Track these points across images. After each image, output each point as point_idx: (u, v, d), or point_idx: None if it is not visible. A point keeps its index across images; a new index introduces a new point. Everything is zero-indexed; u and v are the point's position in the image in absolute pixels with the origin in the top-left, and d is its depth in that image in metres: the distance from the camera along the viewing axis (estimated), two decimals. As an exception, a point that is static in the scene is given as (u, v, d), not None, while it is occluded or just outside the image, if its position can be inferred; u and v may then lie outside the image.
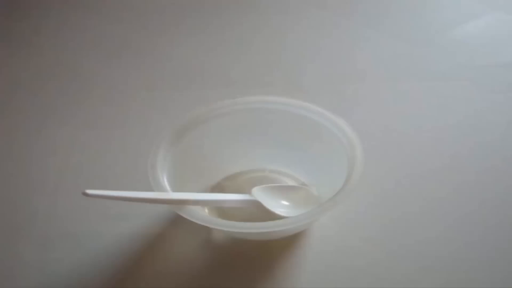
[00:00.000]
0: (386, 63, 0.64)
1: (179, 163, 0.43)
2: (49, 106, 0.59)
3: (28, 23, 0.75)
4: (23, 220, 0.46)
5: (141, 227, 0.45)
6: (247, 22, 0.73)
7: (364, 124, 0.47)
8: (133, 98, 0.60)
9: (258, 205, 0.42)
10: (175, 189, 0.41)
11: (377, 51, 0.67)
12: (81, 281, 0.41)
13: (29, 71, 0.65)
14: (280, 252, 0.43)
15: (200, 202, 0.41)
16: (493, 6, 0.74)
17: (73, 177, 0.50)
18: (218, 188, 0.47)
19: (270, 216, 0.41)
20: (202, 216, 0.39)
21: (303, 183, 0.47)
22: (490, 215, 0.45)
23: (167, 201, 0.39)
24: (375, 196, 0.47)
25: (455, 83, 0.60)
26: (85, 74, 0.64)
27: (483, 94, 0.58)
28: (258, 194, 0.42)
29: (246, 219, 0.39)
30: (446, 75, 0.62)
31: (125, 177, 0.50)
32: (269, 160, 0.48)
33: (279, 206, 0.43)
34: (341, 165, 0.41)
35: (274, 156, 0.48)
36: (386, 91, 0.60)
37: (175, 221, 0.45)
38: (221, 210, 0.45)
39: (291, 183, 0.47)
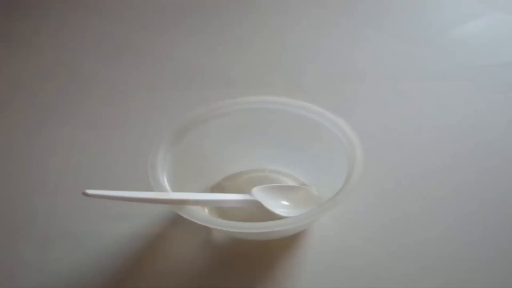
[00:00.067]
0: (386, 63, 0.64)
1: (179, 163, 0.43)
2: (49, 106, 0.60)
3: (28, 23, 0.75)
4: (23, 220, 0.46)
5: (141, 227, 0.45)
6: (247, 22, 0.73)
7: (364, 124, 0.47)
8: (133, 98, 0.60)
9: (258, 205, 0.42)
10: (175, 189, 0.41)
11: (377, 51, 0.67)
12: (81, 281, 0.41)
13: (29, 71, 0.65)
14: (280, 252, 0.43)
15: (200, 202, 0.41)
16: (493, 6, 0.74)
17: (73, 177, 0.50)
18: (218, 188, 0.47)
19: (270, 216, 0.41)
20: (202, 216, 0.39)
21: (303, 183, 0.47)
22: (490, 215, 0.45)
23: (167, 201, 0.39)
24: (375, 196, 0.47)
25: (455, 83, 0.60)
26: (85, 74, 0.64)
27: (483, 94, 0.58)
28: (258, 194, 0.42)
29: (246, 219, 0.39)
30: (446, 75, 0.62)
31: (125, 177, 0.50)
32: (269, 160, 0.48)
33: (279, 206, 0.43)
34: (341, 165, 0.41)
35: (274, 156, 0.48)
36: (386, 91, 0.60)
37: (175, 221, 0.45)
38: (221, 210, 0.45)
39: (291, 183, 0.47)
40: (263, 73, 0.63)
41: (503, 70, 0.62)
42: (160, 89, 0.62)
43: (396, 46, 0.67)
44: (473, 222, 0.45)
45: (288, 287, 0.40)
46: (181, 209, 0.38)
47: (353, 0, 0.77)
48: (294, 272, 0.41)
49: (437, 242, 0.43)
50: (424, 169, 0.50)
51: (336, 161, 0.42)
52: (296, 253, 0.43)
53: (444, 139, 0.53)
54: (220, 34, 0.71)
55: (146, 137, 0.49)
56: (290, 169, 0.48)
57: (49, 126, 0.57)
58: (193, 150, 0.45)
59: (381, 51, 0.66)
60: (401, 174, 0.49)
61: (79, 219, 0.46)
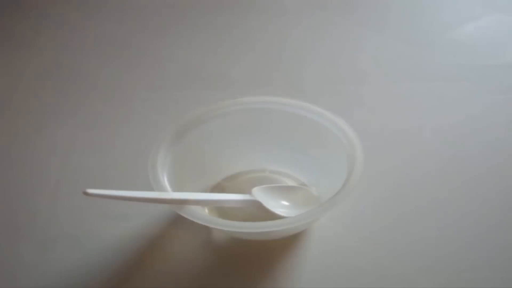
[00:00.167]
0: (386, 64, 0.64)
1: (179, 163, 0.44)
2: (49, 106, 0.60)
3: (28, 23, 0.75)
4: (23, 220, 0.46)
5: (141, 227, 0.45)
6: (247, 22, 0.73)
7: (364, 124, 0.48)
8: (133, 98, 0.60)
9: (258, 205, 0.42)
10: (175, 189, 0.41)
11: (377, 52, 0.67)
12: (81, 281, 0.41)
13: (29, 71, 0.65)
14: (280, 252, 0.43)
15: (200, 202, 0.41)
16: (493, 7, 0.74)
17: (73, 177, 0.50)
18: (218, 188, 0.47)
19: (270, 216, 0.41)
20: (202, 216, 0.39)
21: (303, 183, 0.47)
22: (490, 215, 0.45)
23: (167, 201, 0.39)
24: (375, 196, 0.47)
25: (455, 84, 0.60)
26: (85, 74, 0.64)
27: (483, 94, 0.58)
28: (258, 194, 0.42)
29: (246, 219, 0.39)
30: (446, 75, 0.62)
31: (125, 177, 0.50)
32: (269, 160, 0.48)
33: (279, 206, 0.43)
34: (341, 165, 0.41)
35: (274, 157, 0.48)
36: (386, 91, 0.60)
37: (176, 221, 0.45)
38: (221, 210, 0.45)
39: (291, 183, 0.47)
40: (263, 73, 0.63)
41: (503, 71, 0.62)
42: (160, 89, 0.62)
43: (396, 47, 0.67)
44: (473, 222, 0.45)
45: (288, 287, 0.40)
46: (181, 209, 0.38)
47: (353, 1, 0.77)
48: (294, 272, 0.41)
49: (437, 242, 0.43)
50: (424, 169, 0.50)
51: (336, 161, 0.42)
52: (296, 253, 0.43)
53: (444, 140, 0.53)
54: (220, 34, 0.71)
55: (146, 137, 0.49)
56: (290, 169, 0.48)
57: (49, 126, 0.57)
58: (193, 150, 0.45)
59: (381, 52, 0.66)
60: (400, 174, 0.49)
61: (79, 219, 0.46)
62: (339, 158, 0.42)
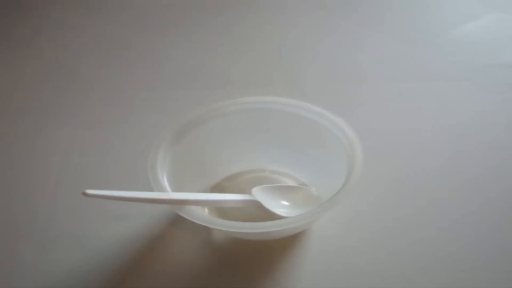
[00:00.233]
0: (386, 64, 0.64)
1: (179, 163, 0.43)
2: (49, 106, 0.60)
3: (28, 23, 0.75)
4: (23, 220, 0.46)
5: (141, 227, 0.45)
6: (247, 22, 0.73)
7: (364, 124, 0.47)
8: (133, 98, 0.60)
9: (258, 205, 0.42)
10: (175, 189, 0.41)
11: (377, 52, 0.67)
12: (81, 281, 0.41)
13: (29, 71, 0.65)
14: (280, 252, 0.43)
15: (200, 202, 0.41)
16: (493, 6, 0.74)
17: (73, 177, 0.50)
18: (218, 188, 0.47)
19: (270, 216, 0.41)
20: (202, 216, 0.39)
21: (303, 183, 0.47)
22: (490, 215, 0.45)
23: (167, 201, 0.39)
24: (375, 196, 0.47)
25: (455, 84, 0.60)
26: (85, 74, 0.64)
27: (483, 94, 0.58)
28: (258, 194, 0.42)
29: (246, 219, 0.39)
30: (446, 75, 0.62)
31: (125, 177, 0.50)
32: (269, 160, 0.48)
33: (279, 206, 0.43)
34: (341, 165, 0.41)
35: (274, 156, 0.48)
36: (386, 91, 0.60)
37: (175, 221, 0.45)
38: (221, 210, 0.45)
39: (291, 183, 0.47)
40: (263, 73, 0.63)
41: (503, 70, 0.62)
42: (160, 89, 0.62)
43: (396, 47, 0.67)
44: (473, 222, 0.45)
45: (288, 287, 0.40)
46: (181, 209, 0.38)
47: (353, 0, 0.77)
48: (294, 272, 0.41)
49: (437, 242, 0.43)
50: (424, 169, 0.50)
51: (336, 161, 0.42)
52: (296, 253, 0.43)
53: (444, 139, 0.53)
54: (220, 34, 0.71)
55: (146, 137, 0.49)
56: (290, 169, 0.48)
57: (49, 126, 0.57)
58: (193, 150, 0.45)
59: (381, 52, 0.66)
60: (400, 174, 0.49)
61: (79, 219, 0.46)
62: (339, 158, 0.42)
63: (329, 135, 0.44)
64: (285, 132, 0.47)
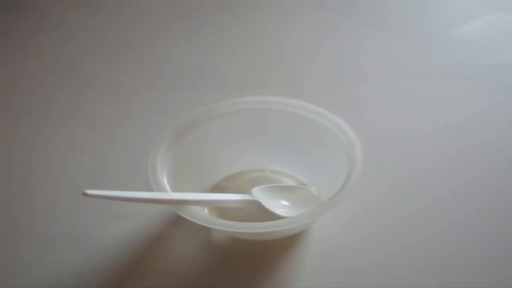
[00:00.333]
0: (386, 63, 0.64)
1: (179, 163, 0.43)
2: (49, 106, 0.60)
3: (28, 23, 0.75)
4: (23, 220, 0.46)
5: (141, 227, 0.45)
6: (247, 22, 0.73)
7: (364, 124, 0.47)
8: (133, 98, 0.60)
9: (258, 205, 0.42)
10: (175, 189, 0.41)
11: (377, 51, 0.67)
12: (81, 281, 0.41)
13: (29, 71, 0.65)
14: (280, 252, 0.43)
15: (200, 202, 0.41)
16: (493, 6, 0.74)
17: (73, 177, 0.50)
18: (218, 188, 0.47)
19: (270, 216, 0.41)
20: (202, 216, 0.39)
21: (303, 183, 0.47)
22: (490, 215, 0.45)
23: (167, 201, 0.39)
24: (375, 196, 0.47)
25: (455, 83, 0.60)
26: (85, 74, 0.64)
27: (483, 94, 0.58)
28: (258, 194, 0.42)
29: (246, 219, 0.39)
30: (446, 75, 0.62)
31: (125, 177, 0.50)
32: (269, 160, 0.48)
33: (279, 206, 0.43)
34: (341, 165, 0.41)
35: (274, 156, 0.48)
36: (386, 91, 0.60)
37: (175, 221, 0.45)
38: (221, 210, 0.45)
39: (291, 183, 0.47)
40: (263, 73, 0.63)
41: (503, 70, 0.62)
42: (160, 89, 0.62)
43: (396, 46, 0.67)
44: (473, 222, 0.45)
45: (288, 287, 0.40)
46: (181, 209, 0.38)
47: (353, 0, 0.77)
48: (294, 272, 0.41)
49: (437, 242, 0.43)
50: (424, 169, 0.50)
51: (336, 161, 0.42)
52: (296, 253, 0.43)
53: (444, 139, 0.53)
54: (220, 34, 0.71)
55: (146, 137, 0.49)
56: (290, 169, 0.48)
57: (49, 126, 0.57)
58: (193, 150, 0.45)
59: (381, 51, 0.66)
60: (401, 174, 0.49)
61: (79, 219, 0.46)
62: (339, 158, 0.42)
63: (329, 135, 0.44)
64: (285, 132, 0.47)
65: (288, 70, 0.64)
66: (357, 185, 0.39)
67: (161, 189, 0.40)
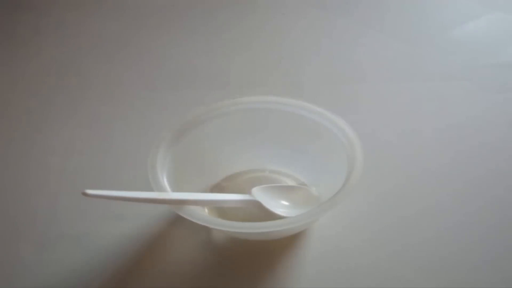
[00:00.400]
0: (386, 63, 0.64)
1: (179, 163, 0.44)
2: (49, 106, 0.60)
3: (28, 22, 0.75)
4: (23, 220, 0.46)
5: (141, 227, 0.45)
6: (246, 22, 0.73)
7: (364, 124, 0.48)
8: (133, 98, 0.60)
9: (258, 205, 0.42)
10: (175, 189, 0.41)
11: (377, 51, 0.67)
12: (81, 281, 0.41)
13: (29, 71, 0.65)
14: (280, 252, 0.43)
15: (200, 202, 0.41)
16: (493, 6, 0.74)
17: (73, 177, 0.50)
18: (218, 188, 0.47)
19: (270, 216, 0.41)
20: (202, 216, 0.39)
21: (303, 183, 0.47)
22: (490, 216, 0.45)
23: (167, 201, 0.39)
24: (375, 196, 0.47)
25: (455, 83, 0.60)
26: (85, 74, 0.64)
27: (483, 94, 0.58)
28: (258, 194, 0.42)
29: (246, 219, 0.39)
30: (446, 75, 0.62)
31: (125, 177, 0.50)
32: (269, 160, 0.48)
33: (279, 206, 0.43)
34: (341, 165, 0.41)
35: (274, 156, 0.48)
36: (386, 91, 0.60)
37: (175, 221, 0.45)
38: (221, 210, 0.45)
39: (291, 183, 0.47)
40: (263, 73, 0.63)
41: (503, 70, 0.62)
42: (160, 89, 0.62)
43: (396, 46, 0.67)
44: (473, 222, 0.45)
45: (288, 287, 0.40)
46: (181, 209, 0.38)
47: (353, 0, 0.77)
48: (294, 272, 0.41)
49: (437, 242, 0.43)
50: (424, 169, 0.50)
51: (336, 161, 0.42)
52: (296, 253, 0.43)
53: (444, 139, 0.53)
54: (220, 34, 0.71)
55: (146, 137, 0.49)
56: (290, 169, 0.48)
57: (49, 126, 0.57)
58: (193, 150, 0.45)
59: (381, 51, 0.66)
60: (401, 174, 0.49)
61: (79, 219, 0.46)
62: (339, 158, 0.42)
63: (329, 135, 0.44)
64: (285, 132, 0.47)
65: (288, 70, 0.64)
66: (357, 185, 0.39)
67: (161, 189, 0.40)
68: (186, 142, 0.45)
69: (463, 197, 0.47)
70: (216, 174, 0.48)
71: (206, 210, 0.45)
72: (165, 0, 0.78)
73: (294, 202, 0.44)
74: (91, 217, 0.46)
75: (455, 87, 0.60)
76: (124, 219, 0.45)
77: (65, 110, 0.59)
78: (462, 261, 0.42)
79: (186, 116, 0.46)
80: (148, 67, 0.65)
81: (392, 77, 0.62)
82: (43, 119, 0.58)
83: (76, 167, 0.51)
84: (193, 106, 0.47)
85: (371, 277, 0.41)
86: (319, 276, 0.41)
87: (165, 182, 0.41)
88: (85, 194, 0.36)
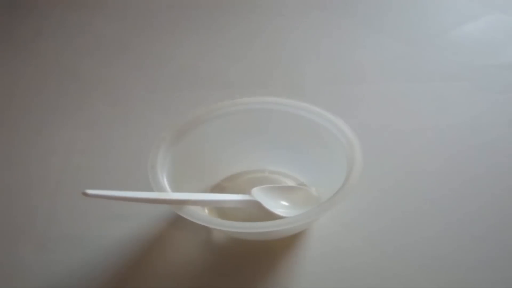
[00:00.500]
0: (386, 64, 0.64)
1: (179, 163, 0.44)
2: (49, 106, 0.60)
3: (28, 23, 0.75)
4: (23, 220, 0.46)
5: (141, 227, 0.45)
6: (247, 23, 0.73)
7: (364, 125, 0.48)
8: (133, 98, 0.60)
9: (257, 205, 0.42)
10: (175, 189, 0.41)
11: (376, 52, 0.67)
12: (81, 281, 0.41)
13: (29, 71, 0.65)
14: (280, 252, 0.43)
15: (200, 202, 0.41)
16: (493, 6, 0.74)
17: (73, 177, 0.50)
18: (218, 188, 0.47)
19: (270, 216, 0.41)
20: (202, 216, 0.39)
21: (303, 183, 0.47)
22: (490, 215, 0.45)
23: (167, 201, 0.39)
24: (375, 196, 0.47)
25: (455, 84, 0.60)
26: (85, 74, 0.65)
27: (483, 94, 0.58)
28: (258, 194, 0.42)
29: (246, 219, 0.39)
30: (446, 75, 0.62)
31: (125, 177, 0.50)
32: (268, 160, 0.48)
33: (279, 206, 0.43)
34: (341, 166, 0.41)
35: (274, 157, 0.48)
36: (385, 91, 0.60)
37: (175, 222, 0.45)
38: (221, 210, 0.45)
39: (290, 183, 0.47)
40: (263, 74, 0.63)
41: (503, 71, 0.62)
42: (160, 89, 0.62)
43: (395, 47, 0.67)
44: (473, 222, 0.45)
45: (288, 287, 0.40)
46: (181, 209, 0.38)
47: (353, 1, 0.77)
48: (294, 272, 0.41)
49: (437, 242, 0.43)
50: (424, 170, 0.50)
51: (336, 161, 0.42)
52: (296, 253, 0.43)
53: (444, 140, 0.53)
54: (220, 35, 0.71)
55: (146, 137, 0.49)
56: (290, 169, 0.48)
57: (49, 126, 0.57)
58: (193, 151, 0.45)
59: (381, 52, 0.66)
60: (400, 175, 0.49)
61: (79, 220, 0.46)
62: (338, 158, 0.42)
63: (328, 136, 0.44)
64: (285, 132, 0.47)
65: (288, 70, 0.64)
66: (357, 185, 0.39)
67: (161, 189, 0.40)
68: (186, 142, 0.45)
69: (462, 197, 0.47)
70: (216, 175, 0.48)
71: (206, 210, 0.45)
72: (166, 1, 0.78)
73: (294, 202, 0.44)
74: (91, 217, 0.46)
75: (455, 87, 0.60)
76: (124, 219, 0.45)
77: (66, 111, 0.59)
78: (461, 261, 0.42)
79: (186, 116, 0.46)
80: (148, 68, 0.65)
81: (392, 78, 0.62)
82: (43, 119, 0.58)
83: (76, 167, 0.52)
84: (193, 107, 0.47)
85: (371, 277, 0.41)
86: (319, 276, 0.41)
87: (165, 182, 0.41)
88: (85, 194, 0.36)
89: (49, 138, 0.55)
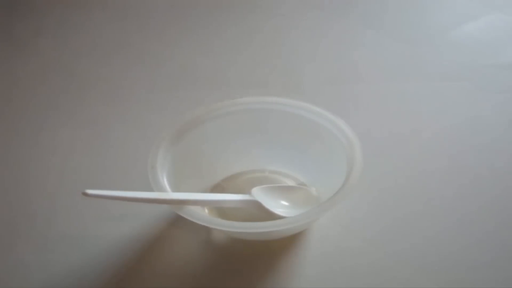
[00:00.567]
0: (386, 64, 0.64)
1: (179, 163, 0.44)
2: (49, 106, 0.60)
3: (28, 23, 0.75)
4: (22, 220, 0.46)
5: (141, 227, 0.45)
6: (246, 23, 0.73)
7: (364, 125, 0.48)
8: (133, 98, 0.60)
9: (257, 205, 0.42)
10: (175, 189, 0.41)
11: (376, 52, 0.67)
12: (81, 281, 0.41)
13: (29, 71, 0.65)
14: (280, 252, 0.43)
15: (200, 202, 0.41)
16: (493, 6, 0.74)
17: (73, 177, 0.50)
18: (218, 188, 0.47)
19: (270, 216, 0.41)
20: (202, 216, 0.39)
21: (303, 183, 0.47)
22: (490, 216, 0.45)
23: (167, 201, 0.39)
24: (375, 196, 0.47)
25: (455, 84, 0.60)
26: (85, 74, 0.64)
27: (483, 94, 0.58)
28: (258, 194, 0.42)
29: (246, 219, 0.39)
30: (446, 75, 0.62)
31: (125, 177, 0.50)
32: (268, 160, 0.48)
33: (279, 206, 0.43)
34: (341, 165, 0.41)
35: (274, 157, 0.48)
36: (385, 91, 0.60)
37: (175, 221, 0.45)
38: (221, 210, 0.45)
39: (290, 183, 0.47)
40: (263, 74, 0.63)
41: (502, 71, 0.62)
42: (160, 89, 0.62)
43: (395, 47, 0.67)
44: (473, 222, 0.45)
45: (288, 287, 0.40)
46: (181, 209, 0.38)
47: (352, 1, 0.77)
48: (294, 272, 0.41)
49: (437, 242, 0.43)
50: (424, 169, 0.50)
51: (336, 161, 0.42)
52: (296, 253, 0.43)
53: (444, 140, 0.53)
54: (220, 35, 0.71)
55: (146, 137, 0.49)
56: (290, 169, 0.48)
57: (49, 126, 0.57)
58: (193, 151, 0.45)
59: (381, 52, 0.66)
60: (400, 174, 0.49)
61: (79, 220, 0.46)
62: (338, 158, 0.42)
63: (328, 135, 0.44)
64: (285, 132, 0.47)
65: (288, 70, 0.64)
66: (357, 185, 0.39)
67: (161, 189, 0.40)
68: (186, 142, 0.45)
69: (462, 197, 0.47)
70: (216, 174, 0.48)
71: (206, 210, 0.45)
72: (165, 1, 0.78)
73: (294, 202, 0.44)
74: (91, 217, 0.46)
75: (455, 87, 0.60)
76: (124, 219, 0.45)
77: (66, 110, 0.59)
78: (461, 261, 0.42)
79: (186, 116, 0.46)
80: (148, 68, 0.65)
81: (391, 78, 0.62)
82: (43, 119, 0.58)
83: (76, 167, 0.51)
84: (193, 107, 0.47)
85: (371, 277, 0.41)
86: (319, 276, 0.41)
87: (165, 182, 0.41)
88: (85, 194, 0.36)
89: (48, 138, 0.55)
